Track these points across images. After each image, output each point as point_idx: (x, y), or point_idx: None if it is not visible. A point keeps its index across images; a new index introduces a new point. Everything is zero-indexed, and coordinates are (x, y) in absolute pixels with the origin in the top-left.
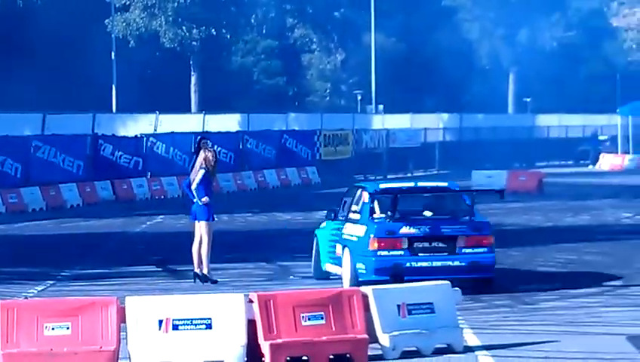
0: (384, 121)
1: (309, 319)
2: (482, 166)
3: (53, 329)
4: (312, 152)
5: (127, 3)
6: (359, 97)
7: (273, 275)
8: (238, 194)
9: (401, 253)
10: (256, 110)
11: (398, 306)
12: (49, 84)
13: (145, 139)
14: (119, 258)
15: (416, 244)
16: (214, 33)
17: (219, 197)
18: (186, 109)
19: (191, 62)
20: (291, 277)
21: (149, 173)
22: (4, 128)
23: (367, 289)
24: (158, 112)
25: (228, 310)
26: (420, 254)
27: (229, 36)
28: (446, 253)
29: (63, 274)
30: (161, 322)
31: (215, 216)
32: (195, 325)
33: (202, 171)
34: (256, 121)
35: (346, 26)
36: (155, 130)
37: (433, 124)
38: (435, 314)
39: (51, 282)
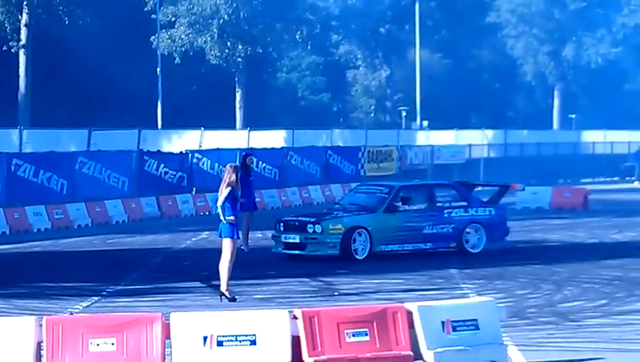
0: (429, 137)
1: (353, 335)
2: (527, 182)
3: (98, 345)
4: (356, 168)
5: (173, 20)
6: (404, 113)
7: (317, 291)
8: (282, 211)
9: None
10: (300, 126)
11: (443, 323)
12: (95, 100)
13: (190, 155)
14: (164, 274)
15: None
16: (260, 50)
17: (264, 213)
18: (231, 125)
19: (236, 79)
20: (335, 293)
21: (194, 189)
22: (50, 144)
23: (411, 306)
24: (203, 128)
25: (272, 326)
26: None
27: (274, 53)
28: None
29: (109, 290)
30: (205, 338)
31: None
32: (240, 341)
33: (228, 189)
34: (301, 137)
35: (390, 42)
36: (200, 145)
37: (478, 140)
38: (480, 330)
39: (96, 298)
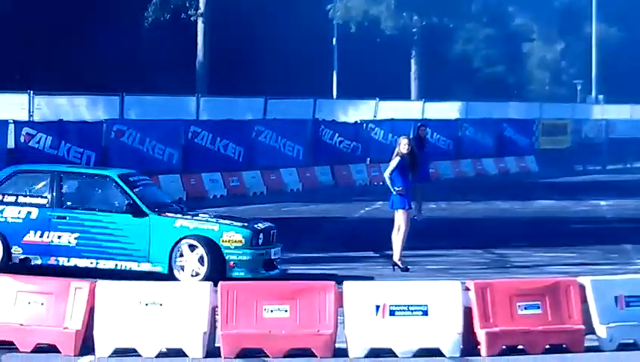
0: (604, 112)
1: (525, 308)
2: None
3: (272, 311)
4: (530, 141)
5: None
6: (579, 87)
7: (490, 263)
8: (456, 182)
9: None
10: (475, 98)
11: (616, 297)
12: (271, 69)
13: (364, 125)
14: (337, 242)
15: None
16: (435, 21)
17: (437, 184)
18: (406, 96)
19: (412, 50)
20: (508, 265)
21: (369, 159)
22: (226, 112)
23: (584, 280)
24: (377, 99)
25: (444, 297)
26: None
27: (450, 24)
28: None
29: (283, 257)
30: (378, 307)
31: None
32: (412, 311)
33: (397, 159)
34: (476, 109)
35: (566, 14)
36: (375, 116)
37: None
38: None
39: None
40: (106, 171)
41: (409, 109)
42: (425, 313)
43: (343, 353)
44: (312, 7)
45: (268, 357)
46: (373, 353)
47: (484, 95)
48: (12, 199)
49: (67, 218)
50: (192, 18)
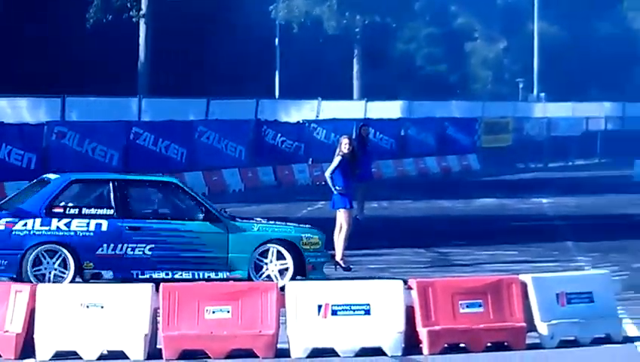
0: (545, 110)
1: (467, 306)
2: None
3: (214, 312)
4: (473, 140)
5: None
6: (521, 85)
7: (432, 262)
8: (398, 181)
9: None
10: (418, 97)
11: (557, 295)
12: (213, 69)
13: (307, 125)
14: None
15: None
16: (378, 20)
17: (379, 183)
18: (348, 96)
19: (354, 49)
20: (450, 264)
21: (311, 159)
22: (169, 113)
23: (526, 278)
24: (320, 98)
25: (386, 296)
26: None
27: (392, 23)
28: None
29: None
30: (320, 307)
31: (354, 203)
32: (354, 311)
33: (338, 159)
34: (418, 108)
35: (508, 13)
36: (317, 116)
37: (595, 112)
38: (595, 303)
39: None
40: (167, 178)
41: (351, 109)
42: (367, 312)
43: (285, 353)
44: (254, 8)
45: (209, 358)
46: (315, 353)
47: (426, 94)
48: (75, 211)
49: (141, 228)
50: (133, 19)
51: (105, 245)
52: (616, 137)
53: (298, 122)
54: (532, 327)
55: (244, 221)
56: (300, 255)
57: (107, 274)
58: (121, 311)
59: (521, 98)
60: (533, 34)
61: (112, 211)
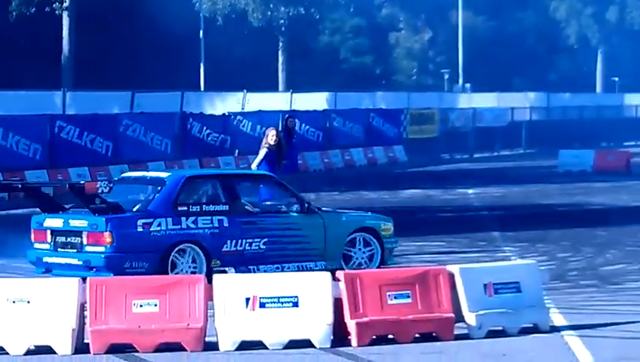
0: (471, 100)
1: (395, 298)
2: (570, 145)
3: (141, 306)
4: (399, 131)
5: None
6: (446, 76)
7: None
8: (325, 173)
9: (47, 246)
10: (343, 89)
11: (485, 285)
12: (137, 62)
13: (232, 117)
14: None
15: (57, 238)
16: (302, 12)
17: (306, 175)
18: (274, 88)
19: (279, 41)
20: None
21: (237, 152)
22: (93, 106)
23: (453, 268)
24: (245, 91)
25: (314, 288)
26: (58, 249)
27: (316, 15)
28: (75, 250)
29: None
30: (248, 300)
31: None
32: (282, 303)
33: (264, 151)
34: (344, 100)
35: (433, 4)
36: (243, 108)
37: (520, 103)
38: (522, 293)
39: None
40: (265, 172)
41: (277, 101)
42: (295, 304)
43: (213, 346)
44: (179, 0)
45: (138, 351)
46: (244, 346)
47: (352, 85)
48: (197, 208)
49: (256, 223)
50: (57, 12)
51: (229, 241)
52: (541, 127)
53: (224, 114)
54: (460, 318)
55: (334, 212)
56: (379, 241)
57: (230, 271)
58: (48, 305)
59: (447, 89)
60: (458, 24)
61: (226, 207)
